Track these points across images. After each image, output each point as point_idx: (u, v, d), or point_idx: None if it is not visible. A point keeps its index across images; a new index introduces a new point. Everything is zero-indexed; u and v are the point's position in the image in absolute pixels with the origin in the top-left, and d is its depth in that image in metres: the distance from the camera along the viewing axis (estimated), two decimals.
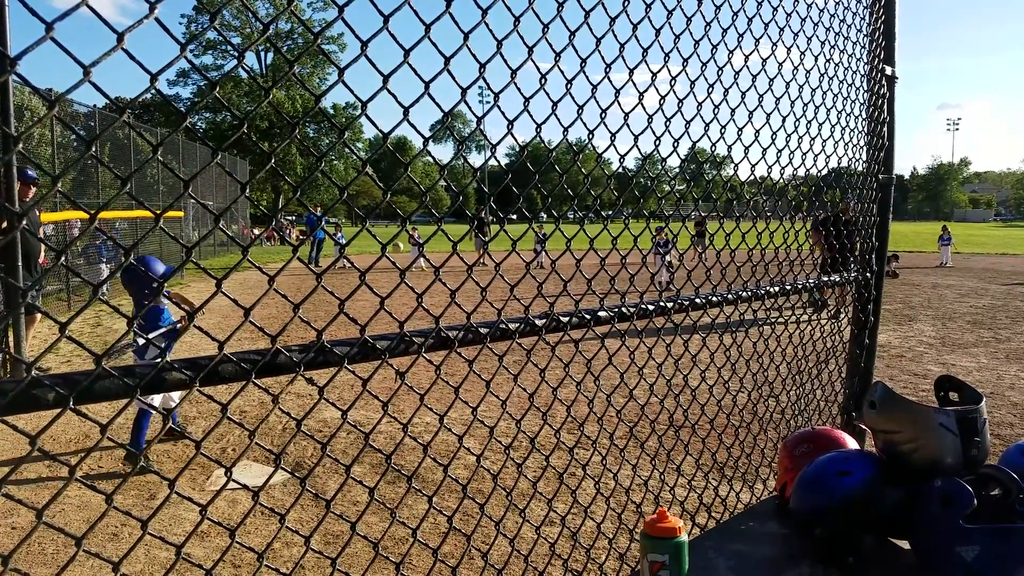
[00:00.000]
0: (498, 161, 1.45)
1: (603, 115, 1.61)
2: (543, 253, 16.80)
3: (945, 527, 1.38)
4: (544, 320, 1.52)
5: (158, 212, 0.86)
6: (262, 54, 57.91)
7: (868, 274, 2.87)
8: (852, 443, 1.89)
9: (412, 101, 1.18)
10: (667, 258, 8.40)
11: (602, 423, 1.98)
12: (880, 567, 1.50)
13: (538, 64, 1.44)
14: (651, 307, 1.79)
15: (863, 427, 2.41)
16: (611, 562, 2.58)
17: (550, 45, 1.43)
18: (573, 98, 1.52)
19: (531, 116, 1.47)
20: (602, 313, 1.67)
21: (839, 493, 1.54)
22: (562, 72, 1.48)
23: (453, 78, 1.25)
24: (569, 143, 1.59)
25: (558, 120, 1.51)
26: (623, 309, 1.73)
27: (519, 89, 1.41)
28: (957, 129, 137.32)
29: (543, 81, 1.46)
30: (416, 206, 1.33)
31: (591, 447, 2.11)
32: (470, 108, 1.31)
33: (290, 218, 42.87)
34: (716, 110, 1.97)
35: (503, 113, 1.39)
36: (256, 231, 28.30)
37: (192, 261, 0.92)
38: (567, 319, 1.58)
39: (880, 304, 2.97)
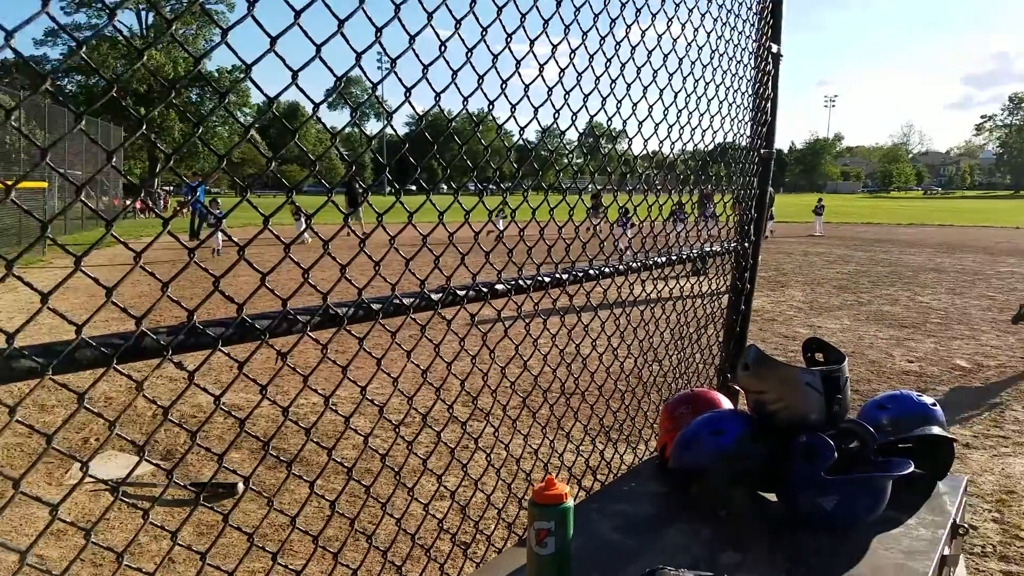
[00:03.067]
0: (394, 130, 1.40)
1: (504, 86, 1.58)
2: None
3: (809, 479, 1.48)
4: (440, 295, 1.50)
5: (10, 183, 0.76)
6: (143, 13, 52.45)
7: (746, 244, 3.04)
8: (727, 403, 1.97)
9: (302, 65, 1.11)
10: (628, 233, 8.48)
11: (496, 395, 2.00)
12: (751, 520, 1.58)
13: (437, 31, 1.39)
14: (547, 279, 1.81)
15: (737, 388, 2.57)
16: (499, 531, 2.63)
17: (450, 12, 1.38)
18: (473, 67, 1.48)
19: (430, 84, 1.42)
20: (499, 286, 1.67)
21: (713, 451, 1.61)
22: (462, 40, 1.43)
23: (347, 42, 1.18)
24: (469, 113, 1.56)
25: (458, 89, 1.47)
26: (520, 282, 1.74)
27: (417, 56, 1.36)
28: (834, 106, 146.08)
29: (443, 48, 1.41)
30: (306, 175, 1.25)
31: (484, 419, 2.13)
32: (365, 74, 1.25)
33: (167, 188, 39.12)
34: (613, 84, 1.99)
35: (400, 80, 1.34)
36: (128, 203, 25.80)
37: (48, 237, 0.83)
38: (464, 293, 1.57)
39: (756, 272, 3.16)
